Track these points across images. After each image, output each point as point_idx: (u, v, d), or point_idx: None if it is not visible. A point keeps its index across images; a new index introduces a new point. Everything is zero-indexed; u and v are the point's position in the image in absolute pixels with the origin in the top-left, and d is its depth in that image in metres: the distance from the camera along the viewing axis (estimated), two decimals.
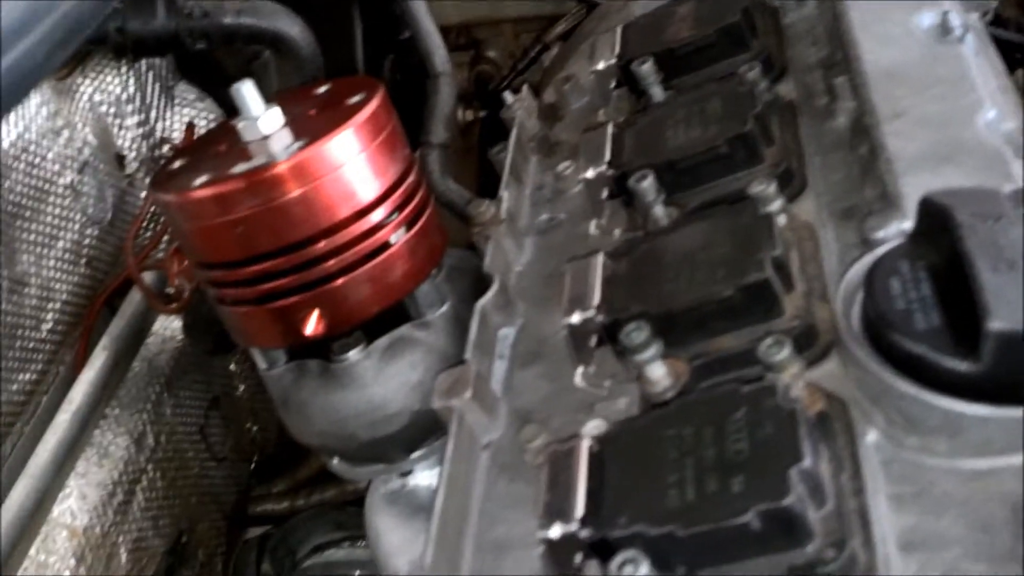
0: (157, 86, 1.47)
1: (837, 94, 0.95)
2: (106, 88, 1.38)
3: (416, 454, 1.03)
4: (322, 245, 0.91)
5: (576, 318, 0.80)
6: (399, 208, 0.95)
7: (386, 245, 0.94)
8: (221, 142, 0.97)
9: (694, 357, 0.75)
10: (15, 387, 1.11)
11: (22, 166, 1.16)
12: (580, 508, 0.64)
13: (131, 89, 1.42)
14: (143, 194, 1.41)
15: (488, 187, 1.13)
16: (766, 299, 0.73)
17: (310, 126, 0.93)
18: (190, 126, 1.39)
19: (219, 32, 1.32)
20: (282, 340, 0.97)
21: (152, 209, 1.28)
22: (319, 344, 0.97)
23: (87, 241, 1.30)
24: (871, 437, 0.65)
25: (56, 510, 1.10)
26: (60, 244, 1.25)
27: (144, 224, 1.34)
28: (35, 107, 1.14)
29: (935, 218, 0.67)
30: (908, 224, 0.74)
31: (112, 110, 1.38)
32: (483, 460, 0.79)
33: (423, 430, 1.00)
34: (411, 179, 0.97)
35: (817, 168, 0.92)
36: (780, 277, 0.74)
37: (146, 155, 1.46)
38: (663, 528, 0.58)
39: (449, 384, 0.79)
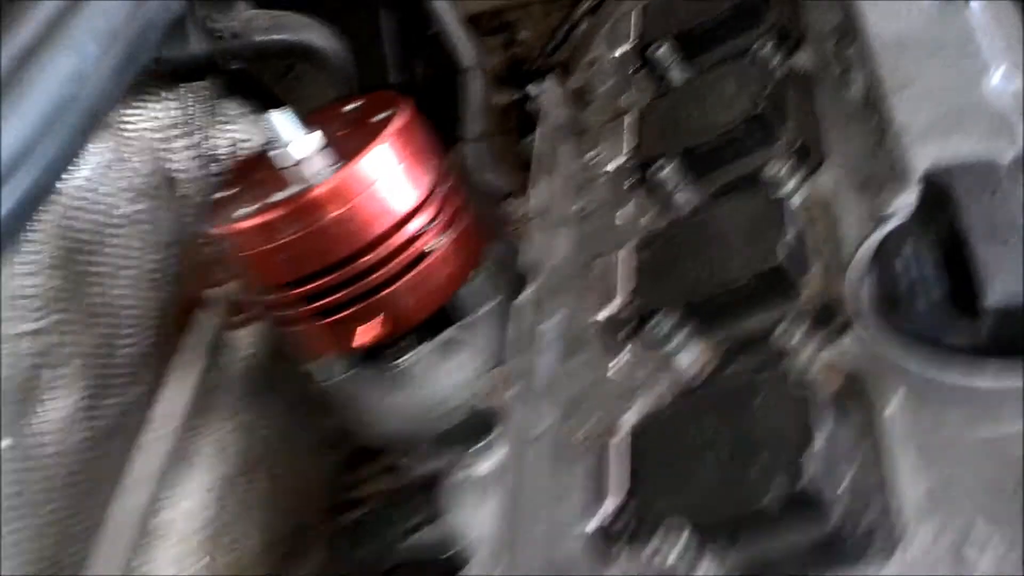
0: (199, 107, 1.50)
1: (851, 63, 0.96)
2: (150, 116, 1.41)
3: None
4: (366, 260, 0.96)
5: (605, 313, 0.84)
6: (436, 216, 1.00)
7: (426, 253, 0.99)
8: (261, 168, 1.02)
9: (721, 341, 0.78)
10: (99, 412, 1.16)
11: (83, 204, 1.20)
12: (618, 497, 0.69)
13: (174, 112, 1.45)
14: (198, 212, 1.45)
15: None
16: (782, 283, 0.76)
17: (341, 147, 0.98)
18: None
19: (252, 50, 1.35)
20: (337, 351, 1.03)
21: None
22: (371, 351, 1.03)
23: (149, 266, 1.34)
24: (888, 411, 0.67)
25: (153, 523, 1.15)
26: (125, 273, 1.29)
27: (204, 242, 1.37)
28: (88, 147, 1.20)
29: (936, 194, 0.69)
30: (916, 197, 0.76)
31: (158, 135, 1.41)
32: (530, 454, 0.84)
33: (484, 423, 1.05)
34: (446, 186, 1.02)
35: (835, 140, 0.93)
36: (795, 260, 0.77)
37: (196, 174, 1.49)
38: (691, 515, 0.63)
39: (491, 386, 0.83)
